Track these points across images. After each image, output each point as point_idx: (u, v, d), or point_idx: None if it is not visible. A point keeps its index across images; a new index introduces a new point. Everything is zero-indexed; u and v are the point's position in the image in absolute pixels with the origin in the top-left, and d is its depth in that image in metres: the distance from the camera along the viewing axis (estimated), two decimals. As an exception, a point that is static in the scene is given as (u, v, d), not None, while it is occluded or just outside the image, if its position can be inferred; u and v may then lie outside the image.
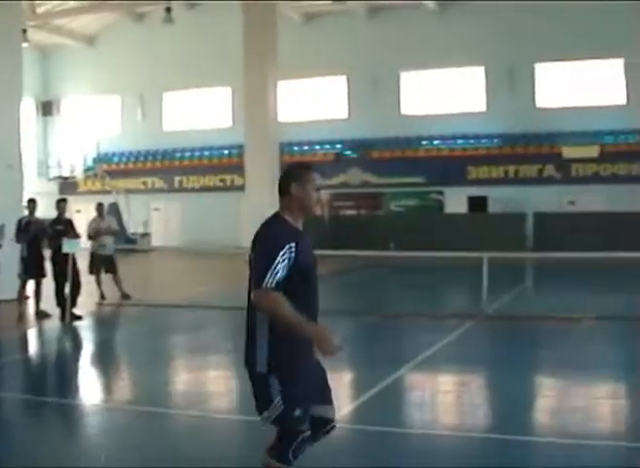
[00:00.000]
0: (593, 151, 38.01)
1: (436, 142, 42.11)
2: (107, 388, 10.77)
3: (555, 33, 38.93)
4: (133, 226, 42.93)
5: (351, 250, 26.33)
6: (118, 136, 49.04)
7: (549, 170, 38.87)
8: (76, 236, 16.74)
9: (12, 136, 21.10)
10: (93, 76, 48.90)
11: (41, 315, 16.52)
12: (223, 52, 42.31)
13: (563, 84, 40.69)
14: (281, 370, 5.05)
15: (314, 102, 45.15)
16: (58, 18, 45.38)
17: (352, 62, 42.95)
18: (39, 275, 16.64)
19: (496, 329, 15.40)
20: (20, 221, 16.74)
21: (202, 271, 29.71)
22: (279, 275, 4.90)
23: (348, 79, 44.18)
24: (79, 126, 50.46)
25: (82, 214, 35.95)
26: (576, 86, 40.39)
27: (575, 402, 9.29)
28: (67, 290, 16.19)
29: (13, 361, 12.56)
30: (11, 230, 16.47)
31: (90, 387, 10.80)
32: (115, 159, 48.43)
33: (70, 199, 24.30)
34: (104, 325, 17.19)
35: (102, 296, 19.33)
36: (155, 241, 43.43)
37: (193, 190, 45.21)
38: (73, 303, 16.34)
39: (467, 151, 41.06)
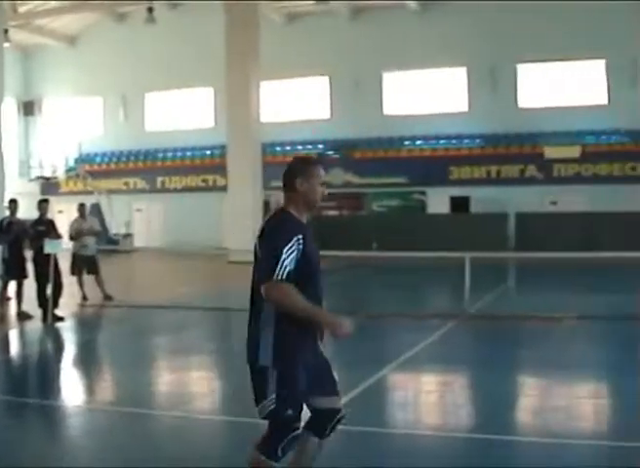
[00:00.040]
0: (575, 151, 38.13)
1: (418, 143, 42.14)
2: (90, 389, 10.74)
3: (537, 34, 39.04)
4: (115, 227, 42.83)
5: (334, 250, 26.21)
6: (100, 137, 48.90)
7: (531, 170, 38.96)
8: (58, 237, 16.69)
9: (-7, 137, 21.06)
10: (74, 76, 48.71)
11: (23, 316, 16.45)
12: (206, 52, 42.26)
13: (545, 84, 40.84)
14: (282, 367, 5.08)
15: (296, 103, 45.13)
16: (39, 17, 45.19)
17: (335, 63, 42.97)
18: (21, 276, 16.59)
19: (478, 328, 15.44)
20: (1, 222, 16.70)
21: (184, 272, 29.67)
22: (289, 267, 4.96)
23: (331, 79, 44.18)
24: (61, 126, 50.29)
25: (64, 215, 35.89)
26: (557, 86, 40.52)
27: (557, 401, 9.33)
28: (49, 291, 16.11)
29: (-6, 362, 12.52)
30: (-8, 231, 16.41)
31: (72, 388, 10.76)
32: (97, 159, 48.27)
33: (52, 199, 24.22)
34: (86, 326, 17.14)
35: (84, 297, 19.27)
36: (137, 242, 43.33)
37: (176, 191, 45.09)
38: (55, 304, 16.27)
39: (450, 151, 41.12)
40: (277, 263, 4.93)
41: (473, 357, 12.58)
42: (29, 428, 8.51)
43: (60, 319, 16.13)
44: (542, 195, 38.19)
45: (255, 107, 34.80)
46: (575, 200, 37.01)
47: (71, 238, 19.36)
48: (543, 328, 14.90)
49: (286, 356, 5.08)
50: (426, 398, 9.90)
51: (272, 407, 5.10)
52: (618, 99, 38.54)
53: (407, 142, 42.22)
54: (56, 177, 48.02)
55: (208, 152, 45.01)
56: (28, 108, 50.76)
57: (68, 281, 18.13)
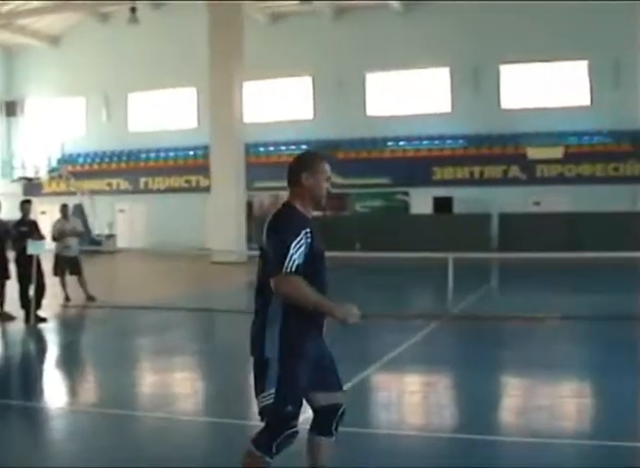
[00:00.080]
0: (557, 152, 38.26)
1: (401, 143, 42.21)
2: (73, 391, 10.70)
3: (520, 35, 39.17)
4: (98, 228, 42.77)
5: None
6: (83, 137, 48.79)
7: (514, 170, 39.08)
8: (41, 237, 16.64)
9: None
10: (57, 76, 48.62)
11: (5, 317, 16.38)
12: (189, 52, 42.24)
13: (528, 85, 40.98)
14: (286, 361, 5.07)
15: (280, 103, 45.14)
16: (22, 17, 45.01)
17: (318, 63, 43.01)
18: (3, 277, 16.49)
19: (461, 329, 15.47)
20: (-17, 223, 16.62)
21: (167, 272, 29.60)
22: (297, 261, 4.99)
23: (314, 80, 44.21)
24: (43, 126, 50.13)
25: (47, 216, 35.74)
26: (540, 87, 40.68)
27: (540, 401, 9.35)
28: (32, 292, 16.06)
29: (-24, 363, 12.47)
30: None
31: (55, 390, 10.72)
32: (80, 160, 48.16)
33: (35, 200, 24.15)
34: (69, 327, 17.09)
35: (67, 298, 19.23)
36: (120, 242, 43.25)
37: (158, 191, 45.02)
38: (38, 305, 16.21)
39: (433, 152, 41.18)
40: (286, 257, 4.96)
41: (456, 357, 12.61)
42: (12, 430, 8.48)
43: (43, 320, 16.07)
44: (525, 196, 38.31)
45: (238, 108, 34.78)
46: (558, 200, 37.16)
47: (54, 239, 19.29)
48: (526, 328, 14.94)
49: (291, 350, 5.08)
50: (410, 398, 9.91)
51: (269, 401, 5.10)
52: (600, 100, 38.72)
53: (390, 143, 42.28)
54: (38, 178, 47.89)
55: (191, 153, 44.97)
56: (11, 109, 50.58)
57: (51, 282, 18.08)
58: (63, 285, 19.34)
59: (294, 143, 42.96)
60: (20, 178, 48.06)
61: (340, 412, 5.41)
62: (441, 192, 39.78)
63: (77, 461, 7.24)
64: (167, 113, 47.36)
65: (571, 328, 15.25)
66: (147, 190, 45.31)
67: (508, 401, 9.76)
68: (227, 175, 33.83)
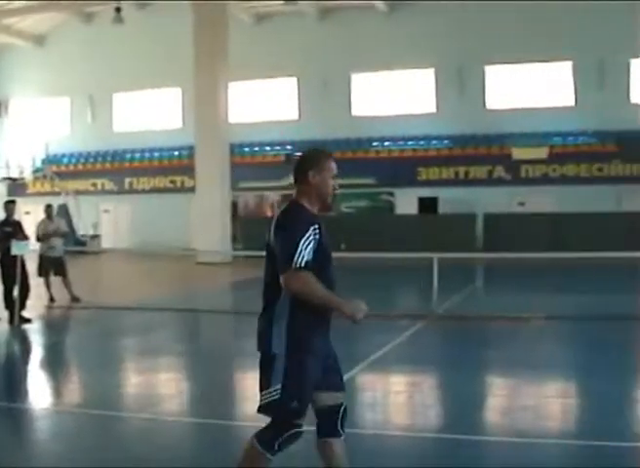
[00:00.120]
0: (542, 153, 38.38)
1: (387, 144, 42.27)
2: (57, 392, 10.67)
3: (505, 35, 39.32)
4: (82, 228, 42.64)
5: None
6: (67, 138, 48.67)
7: (499, 171, 39.19)
8: (25, 238, 16.57)
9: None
10: (42, 76, 48.48)
11: (-11, 318, 16.35)
12: (174, 52, 42.16)
13: (512, 86, 41.09)
14: (293, 356, 5.06)
15: (265, 104, 45.13)
16: (6, 17, 44.81)
17: (303, 64, 43.03)
18: (-13, 278, 16.46)
19: (446, 329, 15.49)
20: (-33, 224, 16.56)
21: (152, 273, 29.54)
22: (307, 256, 4.98)
23: (299, 80, 44.23)
24: (28, 126, 49.95)
25: (31, 216, 35.63)
26: (525, 88, 40.80)
27: (525, 401, 9.37)
28: (16, 292, 16.00)
29: (-40, 364, 12.42)
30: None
31: (39, 391, 10.68)
32: (64, 160, 48.04)
33: (19, 200, 24.07)
34: (54, 328, 17.05)
35: (52, 299, 19.17)
36: (105, 243, 43.17)
37: (143, 192, 44.96)
38: (22, 306, 16.15)
39: (418, 152, 41.27)
40: (295, 252, 4.95)
41: (442, 357, 12.63)
42: (-4, 431, 8.46)
43: (28, 321, 16.01)
44: (510, 196, 38.42)
45: (223, 108, 34.76)
46: (542, 200, 37.28)
47: (38, 239, 19.22)
48: (511, 328, 14.98)
49: (299, 345, 5.07)
50: (395, 398, 9.92)
51: (275, 397, 5.08)
52: (584, 101, 38.88)
53: (375, 143, 42.33)
54: (23, 178, 47.73)
55: (176, 153, 44.92)
56: (-5, 109, 50.46)
57: (35, 282, 18.01)
58: (48, 285, 19.28)
59: (279, 144, 43.00)
60: (5, 179, 47.86)
61: (342, 412, 5.39)
62: (426, 192, 39.85)
63: (62, 462, 7.21)
64: (152, 113, 47.32)
65: (555, 328, 15.29)
66: (132, 190, 45.24)
67: (493, 401, 9.77)
68: (212, 176, 33.80)
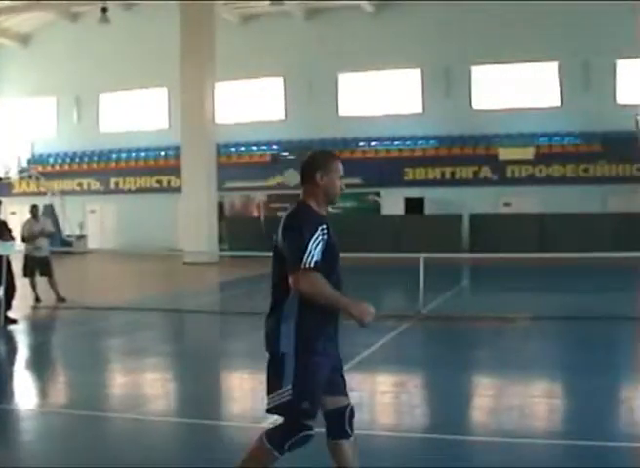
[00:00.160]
0: (528, 153, 38.48)
1: (373, 144, 42.30)
2: (43, 392, 10.63)
3: (491, 36, 39.43)
4: (68, 228, 42.50)
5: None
6: (53, 138, 48.56)
7: (485, 171, 39.25)
8: (11, 238, 16.52)
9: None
10: (27, 76, 48.33)
11: (-26, 319, 16.28)
12: (160, 52, 42.10)
13: (499, 86, 41.17)
14: (303, 356, 5.07)
15: (251, 104, 45.10)
16: (-9, 16, 44.80)
17: (289, 64, 43.03)
18: (-28, 278, 16.40)
19: (432, 329, 15.50)
20: (-48, 224, 16.50)
21: (139, 273, 29.51)
22: (316, 257, 5.00)
23: (285, 80, 44.23)
24: (13, 126, 49.78)
25: (16, 216, 35.55)
26: (511, 88, 40.89)
27: (511, 401, 9.39)
28: (1, 293, 15.95)
29: (-55, 365, 12.38)
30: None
31: (25, 391, 10.64)
32: (50, 160, 47.89)
33: (4, 200, 23.86)
34: (40, 328, 16.99)
35: (37, 299, 19.10)
36: (91, 243, 43.03)
37: (129, 192, 44.87)
38: (8, 307, 16.10)
39: (404, 153, 41.31)
40: (305, 253, 4.97)
41: (428, 357, 12.64)
42: (-19, 432, 8.43)
43: (13, 321, 15.96)
44: (497, 196, 38.51)
45: (209, 108, 34.71)
46: (528, 201, 37.40)
47: (24, 239, 19.15)
48: (497, 328, 15.00)
49: (307, 345, 5.08)
50: (382, 398, 9.92)
51: (287, 398, 5.07)
52: (570, 102, 39.00)
53: (361, 144, 42.36)
54: (8, 178, 47.52)
55: (162, 153, 44.87)
56: (-20, 108, 50.27)
57: (21, 283, 17.96)
58: (34, 286, 19.22)
59: (265, 144, 43.00)
60: (-10, 179, 47.76)
61: (348, 414, 5.38)
62: (412, 193, 39.89)
63: (48, 463, 7.19)
64: (138, 113, 47.23)
65: (541, 327, 15.31)
66: (118, 190, 45.15)
67: (480, 400, 9.79)
68: (199, 176, 33.76)
